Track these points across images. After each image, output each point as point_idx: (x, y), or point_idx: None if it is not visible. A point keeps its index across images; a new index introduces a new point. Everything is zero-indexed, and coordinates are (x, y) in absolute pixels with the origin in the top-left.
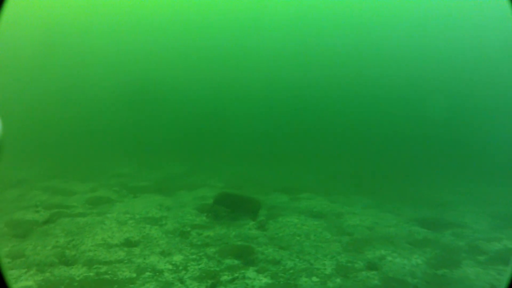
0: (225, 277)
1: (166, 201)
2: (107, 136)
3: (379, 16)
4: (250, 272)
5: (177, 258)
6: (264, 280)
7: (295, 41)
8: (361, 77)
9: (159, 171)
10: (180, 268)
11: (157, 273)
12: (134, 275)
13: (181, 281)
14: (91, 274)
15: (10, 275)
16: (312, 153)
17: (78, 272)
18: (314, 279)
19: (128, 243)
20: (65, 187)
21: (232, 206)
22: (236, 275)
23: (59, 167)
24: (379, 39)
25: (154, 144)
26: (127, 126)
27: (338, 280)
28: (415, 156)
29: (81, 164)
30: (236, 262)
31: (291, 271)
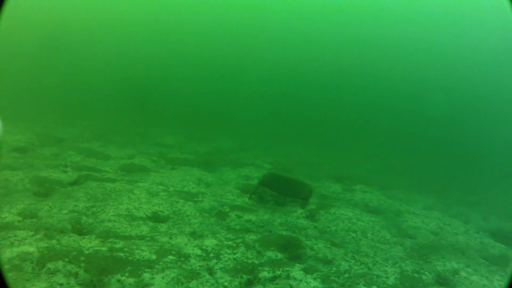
0: (264, 274)
1: (207, 176)
2: (157, 104)
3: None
4: (296, 271)
5: (209, 242)
6: (313, 283)
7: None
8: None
9: (205, 145)
10: (211, 255)
11: (182, 258)
12: (154, 257)
13: (210, 272)
14: (104, 248)
15: (16, 235)
16: (371, 142)
17: (89, 244)
18: None
19: (155, 218)
20: (101, 151)
21: (280, 190)
22: (278, 272)
23: (102, 131)
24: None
25: (204, 116)
26: (178, 96)
27: None
28: (487, 158)
29: (125, 130)
30: (279, 255)
31: (346, 275)
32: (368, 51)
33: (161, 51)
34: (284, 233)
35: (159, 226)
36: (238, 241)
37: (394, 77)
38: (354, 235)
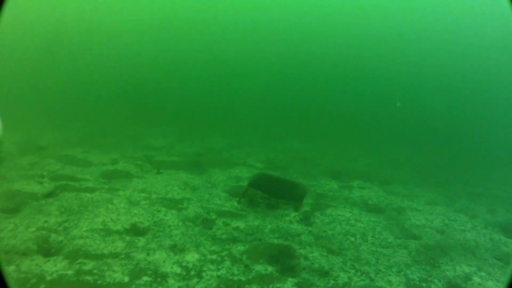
0: None
1: (194, 179)
2: (146, 105)
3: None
4: (288, 287)
5: (191, 257)
6: None
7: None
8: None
9: (195, 145)
10: (192, 273)
11: (159, 279)
12: (126, 279)
13: None
14: (70, 272)
15: None
16: (369, 135)
17: (54, 267)
18: None
19: (133, 230)
20: (84, 157)
21: (271, 191)
22: None
23: (87, 135)
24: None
25: (195, 115)
26: (168, 95)
27: None
28: (487, 148)
29: (112, 132)
30: (269, 269)
31: None
32: (366, 45)
33: (151, 51)
34: (276, 241)
35: (136, 241)
36: (223, 253)
37: (394, 70)
38: (353, 239)
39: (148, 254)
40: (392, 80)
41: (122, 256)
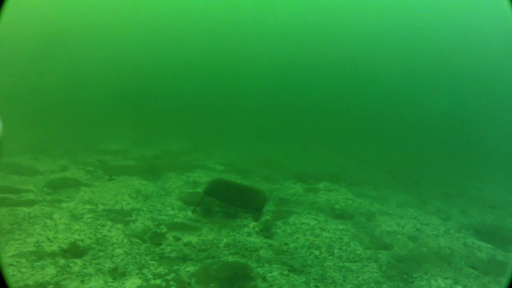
0: None
1: (147, 186)
2: (101, 107)
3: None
4: None
5: (132, 283)
6: None
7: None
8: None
9: (153, 148)
10: None
11: None
12: None
13: None
14: None
15: None
16: (339, 135)
17: None
18: None
19: (71, 251)
20: (30, 165)
21: (229, 199)
22: None
23: (38, 140)
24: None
25: (155, 117)
26: (126, 97)
27: None
28: (459, 144)
29: (65, 139)
30: None
31: None
32: (350, 44)
33: (115, 54)
34: (230, 258)
35: (72, 264)
36: (169, 277)
37: (370, 68)
38: (317, 252)
39: (82, 282)
40: (367, 78)
41: (51, 286)
